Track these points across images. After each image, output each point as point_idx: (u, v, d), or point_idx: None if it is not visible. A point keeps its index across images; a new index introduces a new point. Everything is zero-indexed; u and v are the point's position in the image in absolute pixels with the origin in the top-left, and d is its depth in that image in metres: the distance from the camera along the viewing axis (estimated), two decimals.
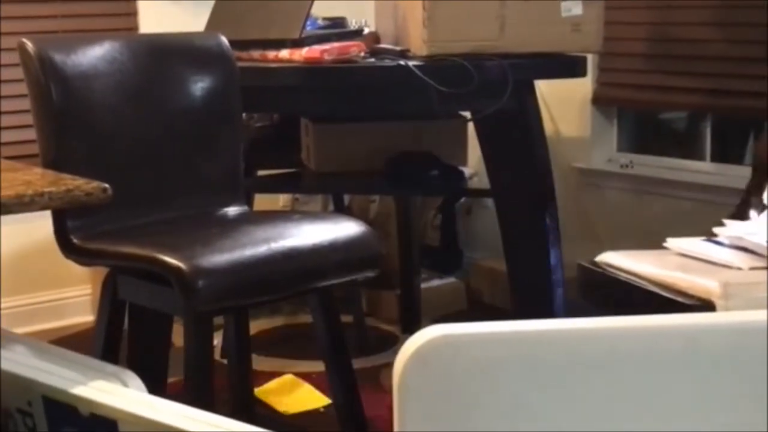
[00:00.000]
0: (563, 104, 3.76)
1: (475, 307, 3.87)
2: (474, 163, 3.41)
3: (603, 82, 3.73)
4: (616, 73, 3.68)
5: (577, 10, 2.66)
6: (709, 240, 2.09)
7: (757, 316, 1.65)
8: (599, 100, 3.76)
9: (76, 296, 3.60)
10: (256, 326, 3.53)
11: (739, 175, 3.41)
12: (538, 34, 2.66)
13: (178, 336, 2.13)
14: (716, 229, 2.11)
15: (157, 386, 2.12)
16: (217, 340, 3.07)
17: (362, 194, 3.81)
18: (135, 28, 3.61)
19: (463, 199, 4.05)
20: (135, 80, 2.27)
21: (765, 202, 2.21)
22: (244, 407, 2.45)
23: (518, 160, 2.91)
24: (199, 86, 2.33)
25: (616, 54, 3.55)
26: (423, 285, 3.73)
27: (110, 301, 2.14)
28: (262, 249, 2.00)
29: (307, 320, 2.30)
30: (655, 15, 3.52)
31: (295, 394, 2.96)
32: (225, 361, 2.60)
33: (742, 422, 1.45)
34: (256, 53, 2.71)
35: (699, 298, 1.87)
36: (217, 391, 2.12)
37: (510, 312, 3.22)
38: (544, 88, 3.28)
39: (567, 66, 2.79)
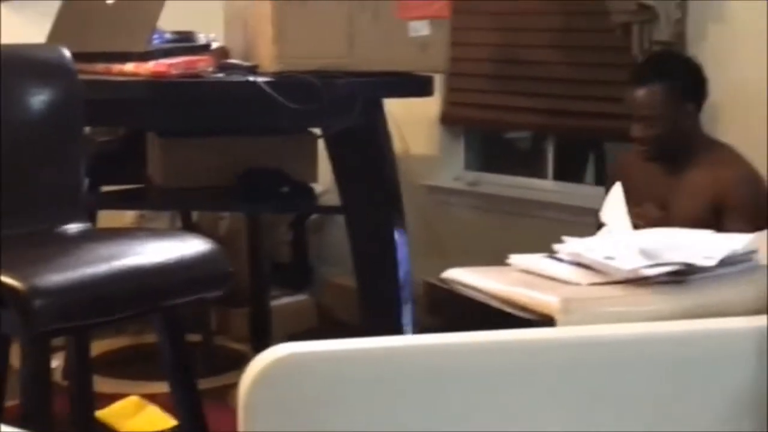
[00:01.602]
0: (412, 123, 3.81)
1: (326, 325, 3.87)
2: (325, 180, 3.41)
3: (450, 101, 3.80)
4: (463, 93, 3.76)
5: (424, 30, 2.70)
6: (550, 256, 2.15)
7: (595, 330, 1.71)
8: (447, 119, 3.83)
9: None
10: (100, 347, 3.43)
11: (579, 193, 3.53)
12: (386, 52, 2.69)
13: (16, 357, 2.05)
14: (556, 246, 2.16)
15: None
16: (59, 361, 2.96)
17: (210, 211, 3.76)
18: None
19: (314, 216, 4.05)
20: None
21: (601, 219, 2.29)
22: (85, 431, 2.37)
23: (367, 177, 2.93)
24: (39, 99, 2.26)
25: (463, 74, 3.62)
26: (273, 302, 3.71)
27: None
28: (103, 267, 1.95)
29: (154, 340, 2.25)
30: (500, 37, 3.61)
31: (140, 416, 2.89)
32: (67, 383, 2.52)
33: None
34: (100, 66, 2.64)
35: (540, 314, 1.91)
36: (58, 415, 2.05)
37: (360, 328, 3.23)
38: (393, 106, 3.32)
39: (414, 85, 2.83)
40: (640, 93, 2.66)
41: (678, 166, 2.70)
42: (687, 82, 2.71)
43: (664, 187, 2.71)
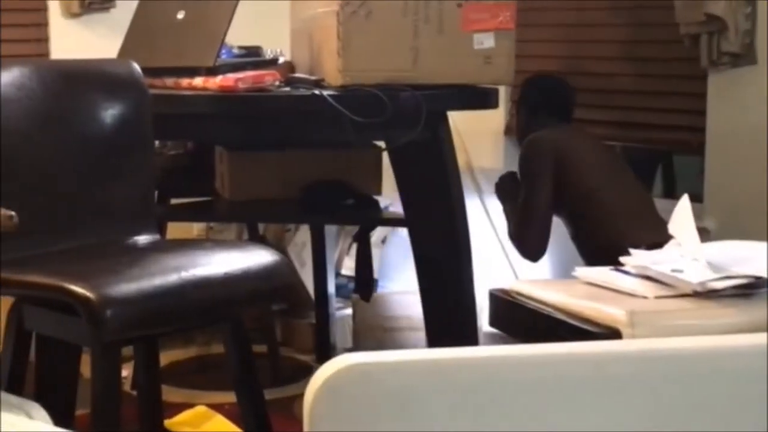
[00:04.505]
0: (476, 135, 3.80)
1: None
2: (390, 193, 3.42)
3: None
4: None
5: (489, 42, 2.70)
6: (617, 269, 2.13)
7: (661, 343, 1.69)
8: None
9: None
10: (168, 357, 3.48)
11: None
12: (451, 65, 2.69)
13: (87, 367, 2.09)
14: (623, 259, 2.15)
15: (64, 419, 2.07)
16: (128, 371, 3.01)
17: (276, 223, 3.80)
18: (46, 54, 3.55)
19: (378, 229, 4.06)
20: (44, 106, 2.23)
21: (670, 232, 2.26)
22: None
23: (431, 190, 2.93)
24: (110, 113, 2.30)
25: None
26: (338, 314, 3.73)
27: (16, 332, 2.09)
28: (172, 278, 1.97)
29: (221, 350, 2.28)
30: (565, 49, 3.59)
31: (207, 425, 2.92)
32: (136, 393, 2.56)
33: None
34: (169, 81, 2.68)
35: (606, 326, 1.90)
36: (127, 424, 2.08)
37: (425, 340, 3.23)
38: (457, 119, 3.31)
39: (479, 97, 2.83)
40: None
41: None
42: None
43: None
